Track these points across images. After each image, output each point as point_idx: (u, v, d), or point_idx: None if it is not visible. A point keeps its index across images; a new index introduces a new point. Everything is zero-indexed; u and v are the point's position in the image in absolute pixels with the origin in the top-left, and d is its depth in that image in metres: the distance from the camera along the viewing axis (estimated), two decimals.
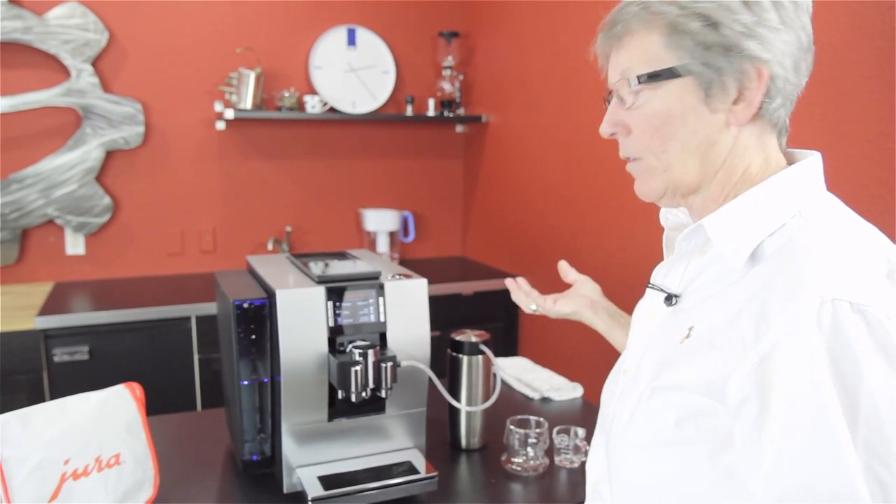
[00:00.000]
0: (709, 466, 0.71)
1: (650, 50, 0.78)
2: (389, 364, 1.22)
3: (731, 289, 0.76)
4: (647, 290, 0.90)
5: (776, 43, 0.75)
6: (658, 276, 0.89)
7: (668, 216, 0.97)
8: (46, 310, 2.48)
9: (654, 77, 0.78)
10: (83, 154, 2.85)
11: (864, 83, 1.56)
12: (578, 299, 1.25)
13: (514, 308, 3.13)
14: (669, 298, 0.85)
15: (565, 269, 1.32)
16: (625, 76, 0.81)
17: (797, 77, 0.78)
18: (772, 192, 0.78)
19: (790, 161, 0.83)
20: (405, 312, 1.29)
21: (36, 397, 2.37)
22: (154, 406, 1.41)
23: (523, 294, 1.32)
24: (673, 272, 0.87)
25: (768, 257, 0.74)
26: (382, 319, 1.27)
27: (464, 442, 1.48)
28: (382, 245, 3.31)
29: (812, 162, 0.80)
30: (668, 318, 0.85)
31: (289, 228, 3.24)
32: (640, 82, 0.79)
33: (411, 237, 3.44)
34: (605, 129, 0.86)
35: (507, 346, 3.12)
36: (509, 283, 1.36)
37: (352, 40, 3.23)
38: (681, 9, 0.76)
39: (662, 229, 1.07)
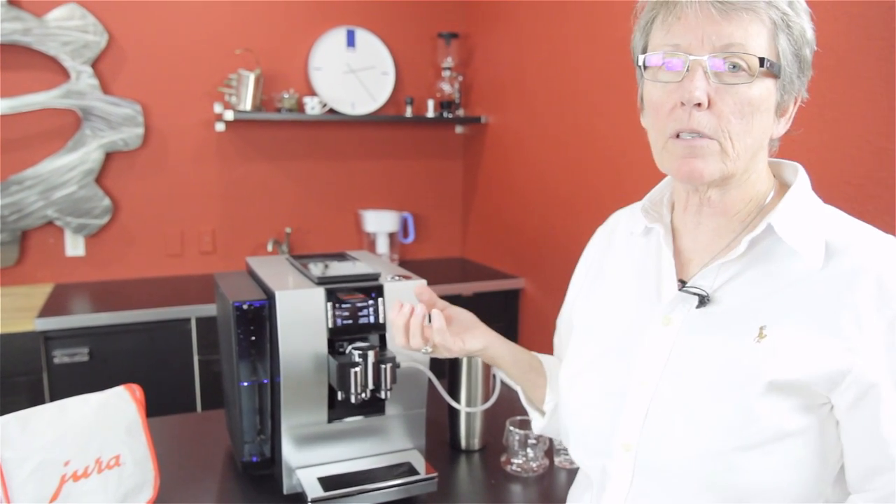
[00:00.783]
0: (811, 452, 0.77)
1: (763, 36, 0.77)
2: (389, 365, 1.22)
3: (803, 286, 0.79)
4: (667, 292, 0.87)
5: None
6: (699, 278, 0.86)
7: (651, 210, 0.95)
8: (46, 311, 2.48)
9: (769, 65, 0.77)
10: (83, 156, 2.85)
11: (863, 83, 1.56)
12: (485, 333, 1.08)
13: (515, 309, 3.13)
14: (703, 301, 0.84)
15: (424, 292, 1.08)
16: (744, 50, 0.75)
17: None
18: (806, 196, 0.84)
19: (774, 168, 0.89)
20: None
21: (36, 399, 2.36)
22: (154, 407, 1.41)
23: (409, 329, 1.01)
24: (707, 273, 0.85)
25: (840, 255, 0.78)
26: (382, 321, 1.27)
27: (463, 443, 1.48)
28: (382, 246, 3.31)
29: (804, 171, 0.87)
30: (700, 320, 0.84)
31: (288, 230, 3.24)
32: (761, 66, 0.76)
33: (411, 238, 3.44)
34: (699, 95, 0.76)
35: None
36: (393, 311, 1.03)
37: (351, 41, 3.23)
38: (793, 11, 0.78)
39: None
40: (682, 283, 0.87)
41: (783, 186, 0.87)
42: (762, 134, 0.80)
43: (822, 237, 0.79)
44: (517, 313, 3.15)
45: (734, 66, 0.76)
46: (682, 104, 0.78)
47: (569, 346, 1.03)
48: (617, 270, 0.99)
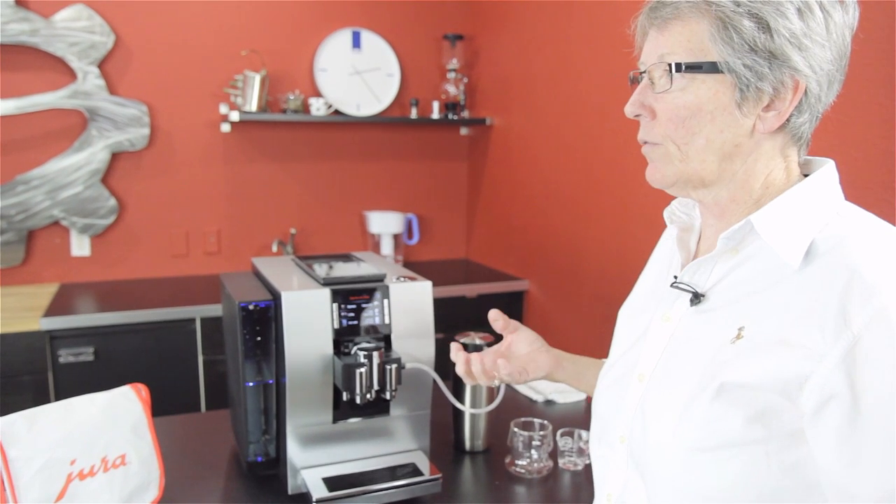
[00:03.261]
0: (776, 463, 0.73)
1: (695, 39, 0.77)
2: (394, 366, 1.22)
3: (783, 286, 0.75)
4: (669, 289, 0.88)
5: (818, 58, 0.76)
6: (686, 275, 0.86)
7: (675, 216, 0.95)
8: (52, 311, 2.49)
9: (693, 68, 0.77)
10: (89, 156, 2.86)
11: (865, 85, 1.55)
12: (548, 360, 1.14)
13: (519, 311, 3.13)
14: (696, 298, 0.83)
15: (497, 319, 1.17)
16: (662, 60, 0.79)
17: (828, 95, 0.79)
18: (812, 192, 0.80)
19: (805, 168, 0.85)
20: (410, 315, 1.29)
21: (41, 398, 2.37)
22: (159, 407, 1.41)
23: (480, 370, 1.13)
24: (701, 271, 0.85)
25: (823, 255, 0.74)
26: (387, 322, 1.27)
27: (468, 444, 1.48)
28: (387, 247, 3.31)
29: (832, 167, 0.83)
30: (693, 318, 0.84)
31: (293, 230, 3.25)
32: (678, 70, 0.77)
33: (415, 239, 3.44)
34: (630, 110, 0.83)
35: None
36: (458, 363, 1.16)
37: (356, 43, 3.24)
38: (736, 4, 0.75)
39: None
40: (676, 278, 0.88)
41: None
42: (721, 134, 0.78)
43: (807, 236, 0.76)
44: (521, 315, 3.15)
45: (666, 73, 0.78)
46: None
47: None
48: (655, 267, 1.02)
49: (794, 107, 0.77)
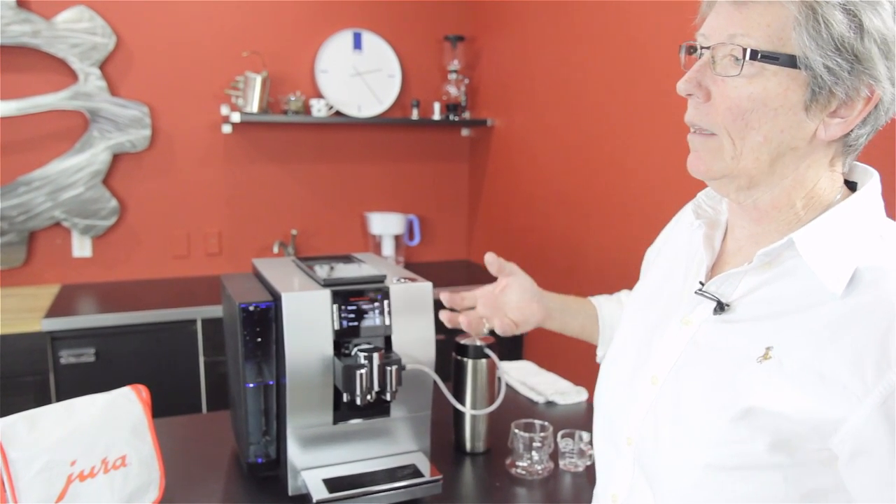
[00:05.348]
0: (794, 489, 0.71)
1: (776, 25, 0.70)
2: (394, 367, 1.22)
3: (819, 312, 0.71)
4: (690, 292, 0.84)
5: None
6: (714, 283, 0.82)
7: (701, 210, 0.90)
8: (53, 312, 2.49)
9: (769, 58, 0.70)
10: (90, 157, 2.86)
11: None
12: (540, 308, 1.18)
13: None
14: (721, 307, 0.79)
15: (492, 262, 1.21)
16: (734, 41, 0.71)
17: (892, 110, 0.74)
18: (856, 213, 0.75)
19: (849, 174, 0.80)
20: (410, 316, 1.29)
21: (42, 399, 2.37)
22: (159, 408, 1.41)
23: (464, 315, 1.17)
24: (730, 281, 0.80)
25: (867, 287, 0.70)
26: (388, 323, 1.27)
27: (468, 445, 1.48)
28: (388, 248, 3.31)
29: (877, 181, 0.78)
30: (715, 327, 0.80)
31: (294, 231, 3.25)
32: (752, 57, 0.70)
33: (416, 241, 3.44)
34: (684, 87, 0.75)
35: (511, 349, 3.12)
36: (449, 300, 1.20)
37: (357, 44, 3.24)
38: (848, 3, 0.68)
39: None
40: (702, 284, 0.84)
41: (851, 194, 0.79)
42: (780, 134, 0.72)
43: (852, 262, 0.71)
44: None
45: (736, 56, 0.71)
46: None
47: (616, 332, 1.02)
48: (669, 260, 0.96)
49: (862, 118, 0.72)
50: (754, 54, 0.70)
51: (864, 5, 0.68)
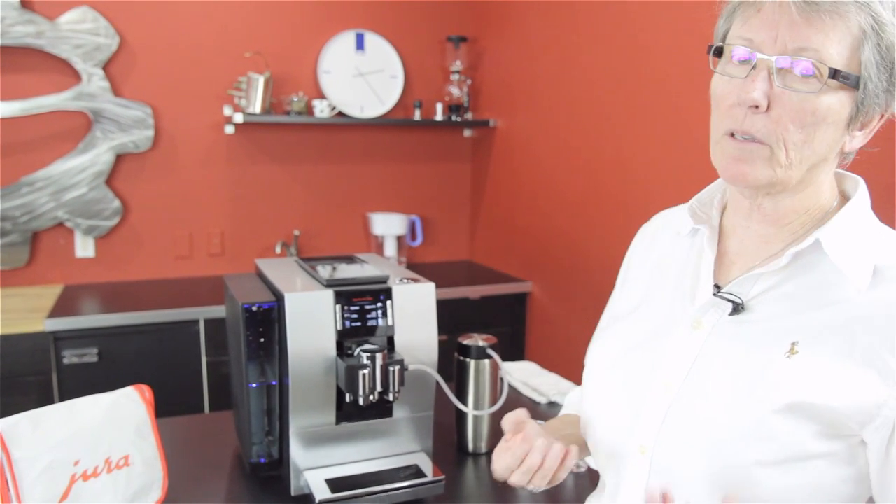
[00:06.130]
0: (841, 475, 0.75)
1: (843, 44, 0.71)
2: (397, 368, 1.22)
3: (844, 307, 0.75)
4: (710, 297, 0.84)
5: None
6: (735, 284, 0.83)
7: (696, 216, 0.90)
8: (56, 312, 2.49)
9: (843, 77, 0.71)
10: (93, 157, 2.87)
11: None
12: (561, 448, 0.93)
13: (522, 313, 3.13)
14: (737, 308, 0.81)
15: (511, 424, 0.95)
16: (805, 55, 0.71)
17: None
18: (863, 211, 0.81)
19: (839, 181, 0.86)
20: (413, 316, 1.29)
21: (45, 399, 2.38)
22: (162, 408, 1.41)
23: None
24: (745, 282, 0.82)
25: (890, 280, 0.75)
26: (390, 323, 1.27)
27: (471, 446, 1.48)
28: (390, 249, 3.32)
29: (864, 186, 0.84)
30: (731, 328, 0.81)
31: (297, 232, 3.25)
32: (832, 76, 0.71)
33: (419, 241, 3.45)
34: (759, 98, 0.73)
35: (514, 350, 3.12)
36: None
37: (360, 45, 3.24)
38: (893, 16, 0.71)
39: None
40: (718, 287, 0.85)
41: (844, 200, 0.84)
42: (825, 146, 0.75)
43: (871, 259, 0.76)
44: (525, 317, 3.15)
45: (809, 73, 0.71)
46: (740, 103, 0.75)
47: (599, 340, 1.02)
48: (657, 269, 0.97)
49: (875, 132, 0.78)
50: (834, 73, 0.71)
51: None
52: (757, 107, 0.74)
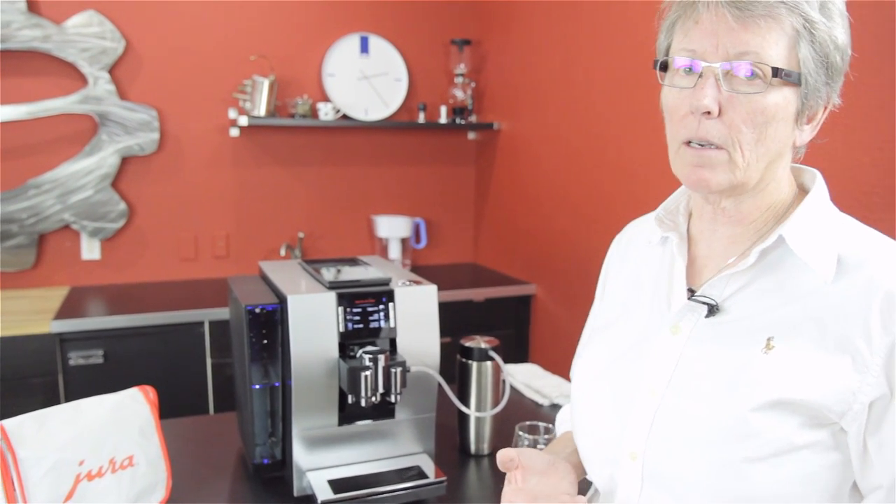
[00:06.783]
0: (828, 461, 0.77)
1: (781, 45, 0.75)
2: (399, 369, 1.23)
3: (813, 300, 0.78)
4: (686, 302, 0.85)
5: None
6: (708, 287, 0.85)
7: (664, 224, 0.93)
8: (62, 314, 2.51)
9: (785, 75, 0.75)
10: (99, 160, 2.89)
11: (864, 87, 1.55)
12: (559, 467, 0.95)
13: (526, 315, 3.14)
14: (712, 310, 0.83)
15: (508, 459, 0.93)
16: (752, 59, 0.74)
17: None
18: (821, 204, 0.83)
19: (794, 175, 0.88)
20: (415, 318, 1.30)
21: (51, 400, 2.39)
22: (167, 409, 1.42)
23: None
24: (717, 283, 0.84)
25: (853, 271, 0.77)
26: (392, 325, 1.28)
27: (473, 447, 1.48)
28: (394, 251, 3.33)
29: (821, 178, 0.86)
30: (708, 330, 0.83)
31: (301, 234, 3.26)
32: (775, 75, 0.74)
33: (423, 244, 3.45)
34: (710, 104, 0.76)
35: (518, 352, 3.12)
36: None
37: (364, 48, 3.26)
38: (822, 16, 0.75)
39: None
40: (692, 291, 0.86)
41: (803, 193, 0.86)
42: (778, 143, 0.78)
43: (834, 250, 0.78)
44: (528, 319, 3.16)
45: (751, 74, 0.75)
46: (693, 111, 0.78)
47: (583, 353, 1.03)
48: (633, 279, 0.98)
49: (821, 124, 0.81)
50: (776, 72, 0.74)
51: (834, 22, 0.77)
52: (709, 113, 0.77)
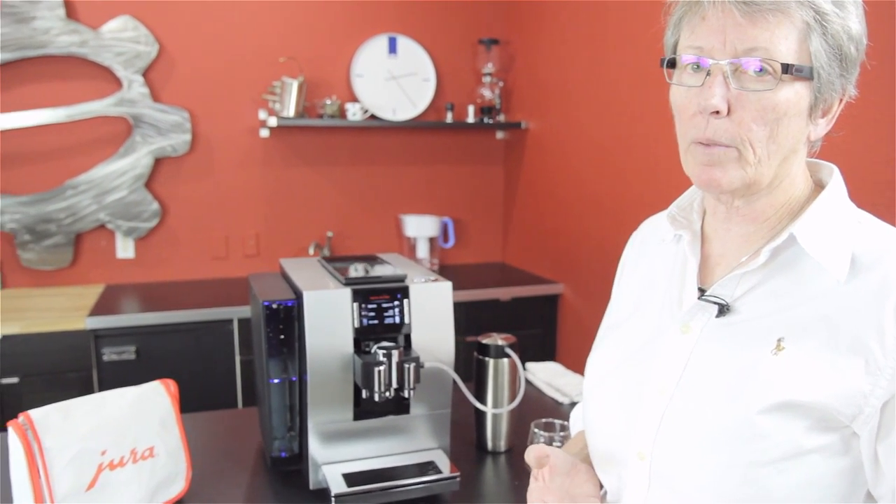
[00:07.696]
0: (837, 467, 0.75)
1: (791, 39, 0.72)
2: (412, 365, 1.24)
3: (826, 300, 0.75)
4: (696, 301, 0.84)
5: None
6: (719, 286, 0.83)
7: (676, 222, 0.91)
8: (97, 311, 2.58)
9: (796, 70, 0.72)
10: (133, 161, 2.96)
11: (864, 86, 1.52)
12: (587, 477, 0.95)
13: (553, 314, 3.13)
14: (723, 310, 0.81)
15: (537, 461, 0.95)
16: (754, 55, 0.73)
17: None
18: (837, 201, 0.81)
19: (810, 170, 0.85)
20: (430, 315, 1.31)
21: (85, 394, 2.44)
22: (196, 404, 1.45)
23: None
24: (728, 282, 0.82)
25: (867, 270, 0.75)
26: (407, 321, 1.29)
27: (490, 444, 1.49)
28: (422, 251, 3.34)
29: (839, 174, 0.84)
30: (719, 330, 0.81)
31: (330, 234, 3.30)
32: (785, 72, 0.72)
33: (451, 243, 3.46)
34: (721, 105, 0.74)
35: (545, 351, 3.11)
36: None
37: (392, 48, 3.28)
38: (834, 8, 0.73)
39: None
40: (703, 291, 0.85)
41: (819, 189, 0.83)
42: (791, 139, 0.76)
43: (848, 249, 0.76)
44: (556, 318, 3.14)
45: (761, 70, 0.72)
46: (702, 111, 0.76)
47: (595, 351, 1.03)
48: (647, 277, 0.97)
49: (836, 118, 0.79)
50: (786, 68, 0.72)
51: (847, 11, 0.74)
52: (718, 112, 0.75)
